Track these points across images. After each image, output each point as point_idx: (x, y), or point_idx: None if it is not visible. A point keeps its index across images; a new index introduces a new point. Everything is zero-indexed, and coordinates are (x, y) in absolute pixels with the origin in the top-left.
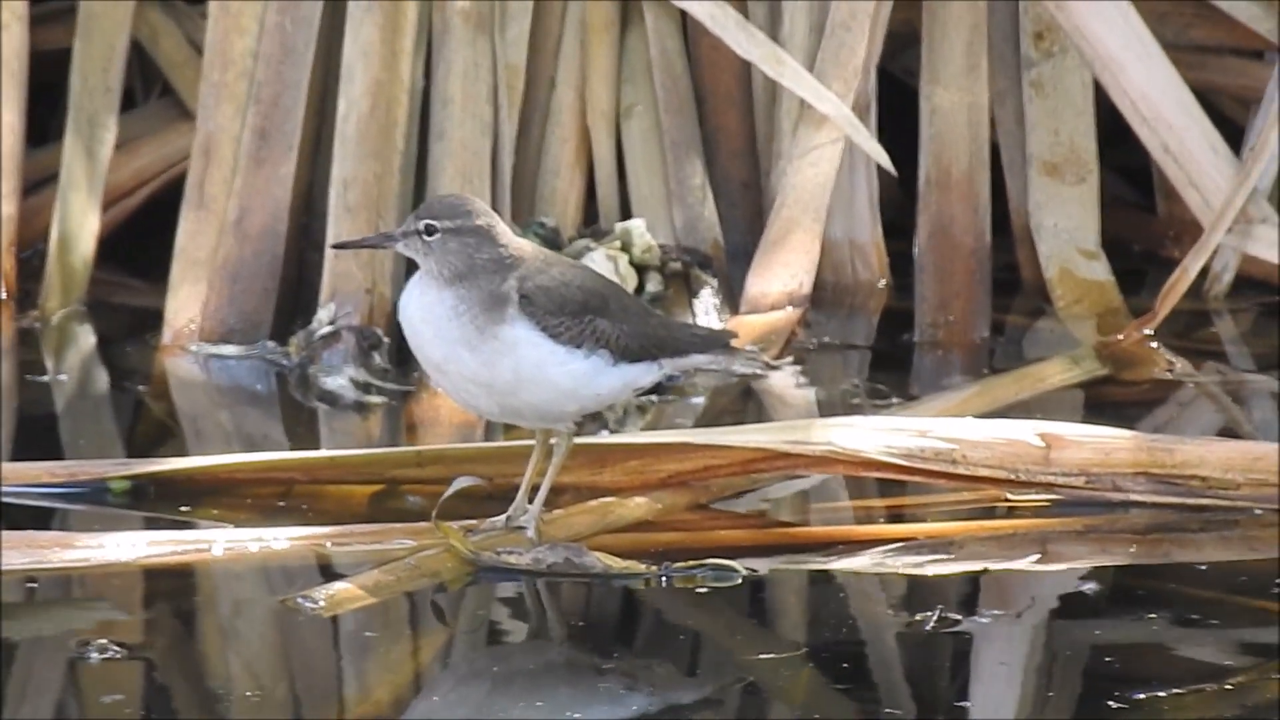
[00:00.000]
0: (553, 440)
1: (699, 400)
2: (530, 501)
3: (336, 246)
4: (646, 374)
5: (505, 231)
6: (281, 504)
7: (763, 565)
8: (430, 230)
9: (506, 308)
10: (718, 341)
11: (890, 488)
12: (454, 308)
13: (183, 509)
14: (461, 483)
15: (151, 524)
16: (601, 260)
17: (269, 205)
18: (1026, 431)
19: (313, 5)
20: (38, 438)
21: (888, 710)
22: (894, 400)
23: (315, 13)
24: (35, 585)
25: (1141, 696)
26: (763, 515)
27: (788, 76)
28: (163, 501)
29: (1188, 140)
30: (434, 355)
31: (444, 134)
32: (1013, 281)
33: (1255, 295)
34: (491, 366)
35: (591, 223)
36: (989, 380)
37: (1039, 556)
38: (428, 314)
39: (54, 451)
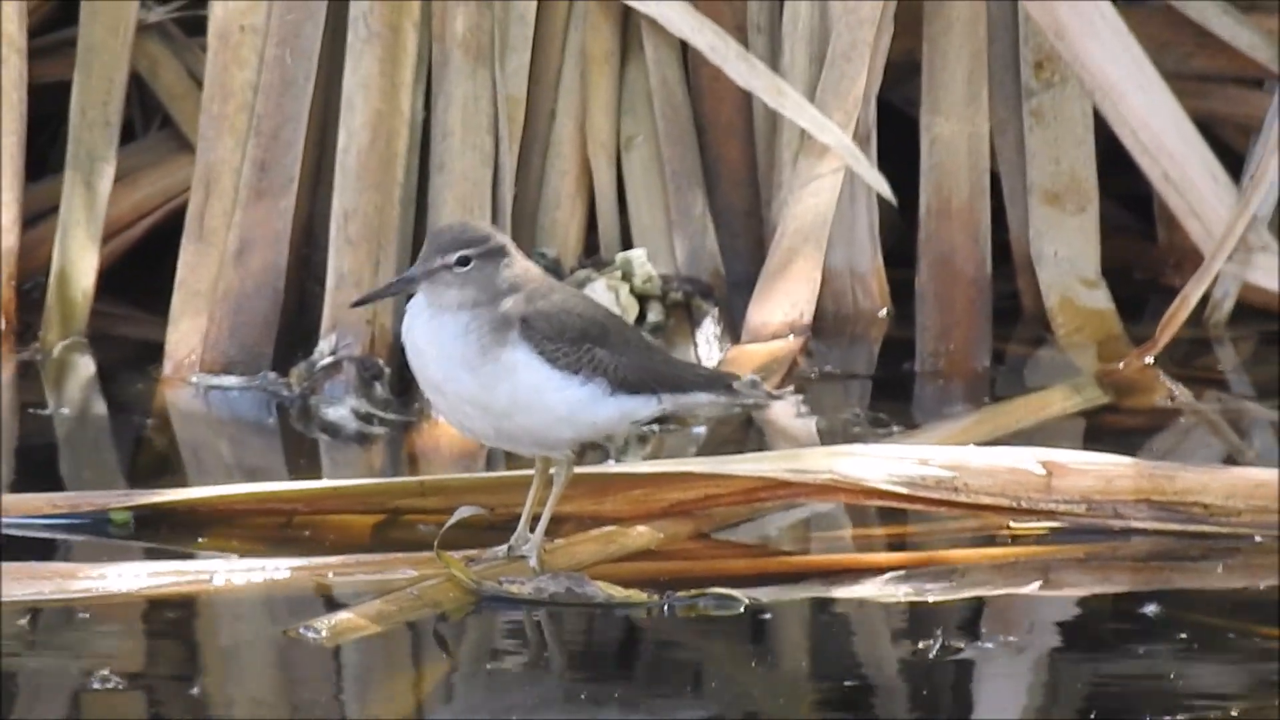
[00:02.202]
0: (552, 470)
1: (700, 430)
2: (531, 530)
3: (356, 304)
4: (644, 407)
5: (516, 248)
6: (283, 534)
7: (765, 594)
8: (464, 261)
9: (510, 331)
10: (720, 382)
11: (892, 516)
12: (465, 326)
13: (184, 540)
14: (463, 512)
15: (153, 555)
16: (602, 290)
17: (269, 237)
18: (1028, 459)
19: (312, 38)
20: (39, 469)
21: None
22: (895, 429)
23: (315, 45)
24: (23, 620)
25: None
26: (765, 544)
27: (788, 107)
28: (164, 532)
29: (1188, 168)
30: (434, 376)
31: (444, 165)
32: (1013, 310)
33: (1256, 323)
34: (489, 389)
35: (592, 253)
36: (990, 408)
37: (1041, 584)
38: (434, 335)
39: (55, 483)
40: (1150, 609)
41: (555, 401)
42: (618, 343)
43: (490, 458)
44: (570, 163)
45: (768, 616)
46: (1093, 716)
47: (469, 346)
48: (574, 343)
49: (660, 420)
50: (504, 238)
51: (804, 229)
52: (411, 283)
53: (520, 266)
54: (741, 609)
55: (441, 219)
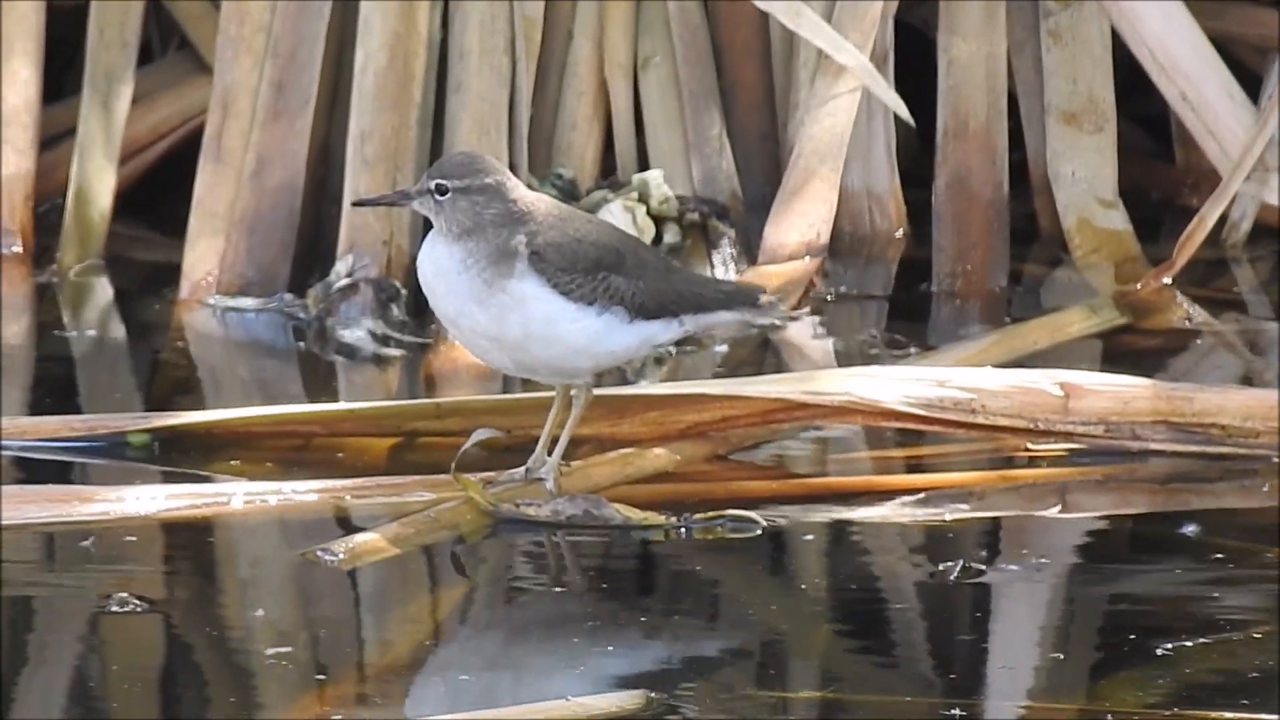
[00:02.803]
0: (572, 392)
1: (718, 351)
2: (549, 453)
3: (356, 204)
4: (665, 331)
5: (516, 187)
6: (300, 457)
7: (782, 516)
8: (442, 190)
9: (515, 262)
10: (746, 298)
11: (909, 438)
12: (463, 261)
13: (201, 462)
14: (480, 435)
15: (170, 478)
16: (619, 212)
17: (286, 158)
18: (1045, 381)
19: None
20: (56, 392)
21: (909, 661)
22: (912, 350)
23: None
24: (88, 541)
25: (1170, 646)
26: (782, 466)
27: (805, 27)
28: (181, 455)
29: (1205, 89)
30: (447, 310)
31: (461, 86)
32: (1030, 231)
33: (1273, 243)
34: (500, 321)
35: (609, 174)
36: (1007, 330)
37: (1059, 506)
38: (439, 268)
39: (73, 406)
40: (1168, 530)
41: (570, 333)
42: (635, 267)
43: (507, 380)
44: (587, 83)
45: (785, 538)
46: (1131, 638)
47: (473, 280)
48: (588, 273)
49: (678, 342)
50: (496, 176)
51: (821, 150)
52: (406, 198)
53: (516, 202)
54: (759, 531)
55: (458, 140)
